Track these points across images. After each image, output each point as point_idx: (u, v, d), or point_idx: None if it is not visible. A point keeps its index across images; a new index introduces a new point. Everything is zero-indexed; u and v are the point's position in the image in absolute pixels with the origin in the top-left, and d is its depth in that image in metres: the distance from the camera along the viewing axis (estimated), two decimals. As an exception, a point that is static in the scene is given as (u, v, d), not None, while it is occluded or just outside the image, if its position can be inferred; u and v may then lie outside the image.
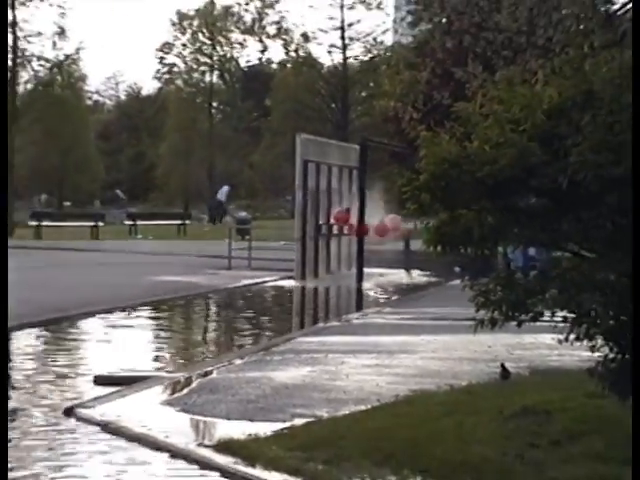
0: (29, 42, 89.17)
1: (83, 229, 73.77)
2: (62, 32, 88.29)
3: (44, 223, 73.65)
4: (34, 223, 75.06)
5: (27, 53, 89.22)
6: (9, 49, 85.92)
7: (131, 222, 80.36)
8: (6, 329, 3.78)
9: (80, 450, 12.93)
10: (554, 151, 10.91)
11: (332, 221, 40.57)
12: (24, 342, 23.78)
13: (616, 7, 15.00)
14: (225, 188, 71.64)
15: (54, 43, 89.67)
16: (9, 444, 13.13)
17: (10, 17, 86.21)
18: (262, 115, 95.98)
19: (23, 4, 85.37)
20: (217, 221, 74.97)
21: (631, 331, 11.49)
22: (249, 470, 11.28)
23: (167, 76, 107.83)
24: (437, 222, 12.45)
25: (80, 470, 12.16)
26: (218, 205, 74.93)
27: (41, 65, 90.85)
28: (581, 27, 15.17)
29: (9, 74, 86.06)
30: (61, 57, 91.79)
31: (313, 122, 49.58)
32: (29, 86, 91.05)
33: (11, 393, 18.06)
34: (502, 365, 15.81)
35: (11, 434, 14.19)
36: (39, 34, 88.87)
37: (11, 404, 16.45)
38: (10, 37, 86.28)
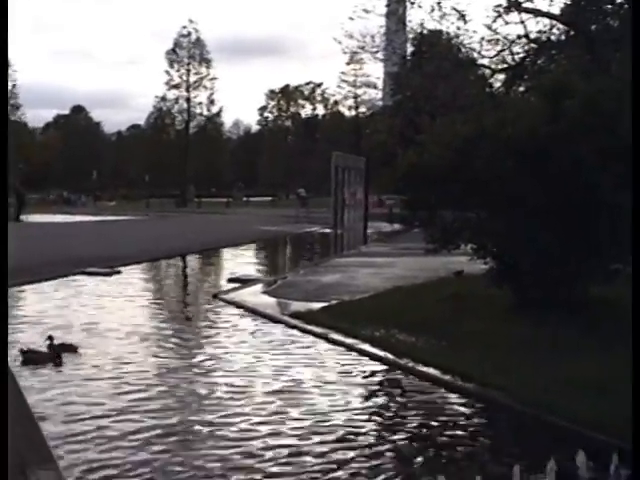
0: (194, 106, 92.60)
1: (221, 203, 77.09)
2: (212, 102, 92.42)
3: (203, 199, 78.76)
4: (197, 200, 79.10)
5: (193, 112, 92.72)
6: (185, 109, 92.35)
7: (246, 199, 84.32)
8: (6, 327, 4.14)
9: (222, 313, 13.76)
10: (466, 160, 11.38)
11: (348, 198, 42.37)
12: (191, 262, 25.20)
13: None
14: (302, 190, 73.92)
15: (208, 107, 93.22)
16: (189, 315, 14.36)
17: (186, 94, 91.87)
18: (314, 141, 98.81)
19: (195, 89, 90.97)
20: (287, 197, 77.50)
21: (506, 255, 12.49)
22: (307, 326, 11.96)
23: (264, 122, 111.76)
24: (408, 196, 13.21)
25: (220, 321, 13.04)
26: (301, 199, 76.70)
27: (201, 117, 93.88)
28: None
29: (184, 124, 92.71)
30: (211, 114, 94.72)
31: (340, 146, 51.32)
32: (191, 130, 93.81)
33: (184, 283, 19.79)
34: (459, 271, 16.24)
35: (184, 308, 15.24)
36: (200, 103, 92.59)
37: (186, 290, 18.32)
38: (186, 104, 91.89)
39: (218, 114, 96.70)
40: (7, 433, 3.90)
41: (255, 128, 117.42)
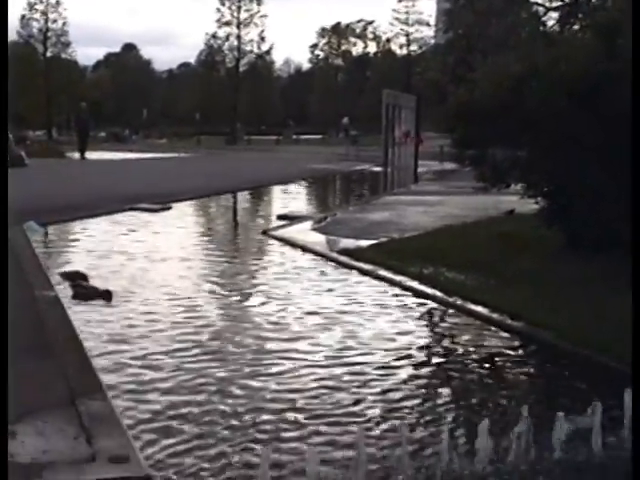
0: (244, 44, 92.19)
1: (271, 141, 77.04)
2: (262, 39, 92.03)
3: (253, 137, 79.01)
4: (246, 138, 79.53)
5: (243, 50, 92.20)
6: (236, 47, 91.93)
7: (296, 137, 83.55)
8: (6, 325, 4.18)
9: (270, 248, 14.07)
10: (518, 98, 11.13)
11: (399, 136, 41.89)
12: (241, 199, 25.34)
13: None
14: (346, 118, 73.66)
15: (258, 44, 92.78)
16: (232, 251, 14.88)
17: (236, 31, 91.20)
18: (365, 80, 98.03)
19: (246, 26, 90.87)
20: (338, 136, 77.09)
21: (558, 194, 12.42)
22: (355, 263, 12.01)
23: (315, 60, 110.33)
24: (459, 134, 12.93)
25: (271, 257, 13.36)
26: (343, 127, 76.70)
27: (251, 55, 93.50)
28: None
29: (235, 62, 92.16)
30: (261, 51, 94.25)
31: (391, 85, 50.70)
32: (242, 68, 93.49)
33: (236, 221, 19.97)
34: (510, 210, 16.39)
35: (235, 243, 15.80)
36: (250, 40, 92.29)
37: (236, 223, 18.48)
38: (236, 42, 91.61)
39: (268, 52, 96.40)
40: (7, 432, 3.92)
41: (306, 66, 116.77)
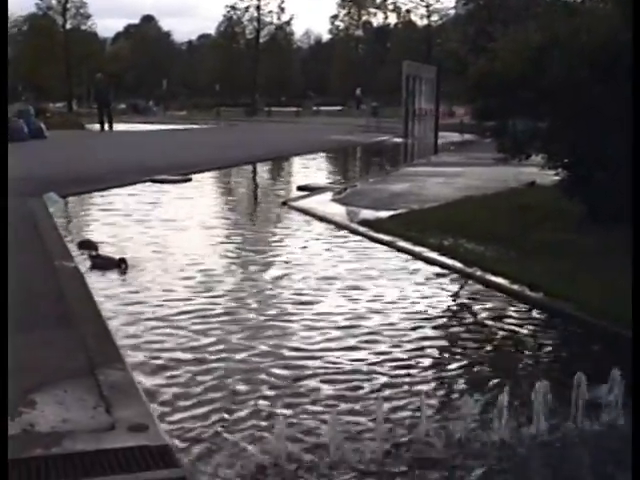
0: (264, 15, 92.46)
1: (291, 112, 76.43)
2: (282, 10, 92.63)
3: (273, 109, 78.61)
4: (266, 109, 79.18)
5: (263, 21, 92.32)
6: (255, 18, 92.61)
7: (316, 108, 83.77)
8: (6, 325, 4.16)
9: (288, 219, 13.90)
10: (538, 69, 11.07)
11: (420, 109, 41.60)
12: (261, 170, 25.24)
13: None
14: (358, 89, 73.63)
15: (278, 15, 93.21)
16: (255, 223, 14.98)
17: (256, 2, 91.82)
18: (385, 51, 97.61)
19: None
20: (358, 108, 76.94)
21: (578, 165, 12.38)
22: (375, 234, 11.97)
23: (335, 31, 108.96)
24: (479, 105, 12.95)
25: (290, 227, 13.14)
26: (357, 98, 76.51)
27: (271, 26, 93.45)
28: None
29: (255, 33, 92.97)
30: (281, 22, 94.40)
31: (412, 56, 50.44)
32: (262, 39, 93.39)
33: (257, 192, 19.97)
34: (531, 182, 16.21)
35: (254, 214, 15.82)
36: (270, 11, 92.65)
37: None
38: (256, 12, 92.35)
39: (288, 23, 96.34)
40: (7, 430, 3.99)
41: (326, 38, 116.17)
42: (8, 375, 4.75)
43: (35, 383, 5.14)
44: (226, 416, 5.26)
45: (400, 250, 11.00)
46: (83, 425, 4.61)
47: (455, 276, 9.59)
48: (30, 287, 7.94)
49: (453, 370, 6.32)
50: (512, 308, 8.19)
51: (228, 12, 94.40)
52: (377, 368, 6.25)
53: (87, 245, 10.76)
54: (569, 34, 11.29)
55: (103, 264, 9.72)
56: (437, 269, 9.91)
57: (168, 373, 6.05)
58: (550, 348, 7.03)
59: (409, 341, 6.96)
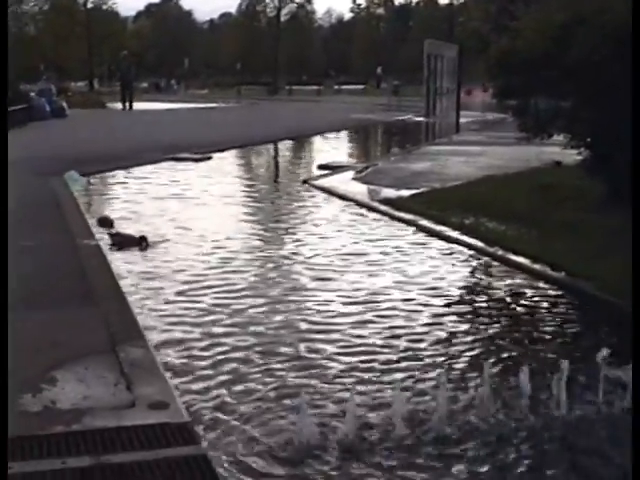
0: None
1: (312, 91, 76.43)
2: None
3: (294, 87, 78.74)
4: (288, 88, 79.23)
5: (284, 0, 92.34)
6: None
7: (337, 87, 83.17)
8: (6, 324, 4.14)
9: (308, 198, 13.89)
10: (561, 47, 10.92)
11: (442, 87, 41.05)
12: (282, 149, 25.40)
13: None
14: (379, 68, 73.54)
15: None
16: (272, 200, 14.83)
17: None
18: (407, 29, 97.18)
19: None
20: (379, 87, 76.92)
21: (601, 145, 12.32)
22: (396, 213, 11.95)
23: (356, 9, 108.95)
24: (501, 84, 12.68)
25: (311, 205, 13.22)
26: (379, 77, 76.40)
27: (292, 4, 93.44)
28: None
29: (276, 11, 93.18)
30: (303, 0, 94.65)
31: (434, 34, 50.19)
32: (283, 18, 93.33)
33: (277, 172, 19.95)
34: (557, 161, 15.96)
35: (275, 192, 15.76)
36: None
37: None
38: None
39: (309, 1, 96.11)
40: (7, 429, 3.91)
41: (347, 16, 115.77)
42: (30, 352, 4.76)
43: (56, 360, 5.15)
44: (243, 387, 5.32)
45: (421, 229, 10.98)
46: (104, 402, 4.62)
47: (476, 254, 9.56)
48: (52, 264, 7.98)
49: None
50: (533, 286, 8.15)
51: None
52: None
53: (103, 222, 10.89)
54: (593, 12, 11.16)
55: (123, 241, 9.76)
56: (458, 247, 9.89)
57: (189, 351, 6.05)
58: (568, 325, 6.99)
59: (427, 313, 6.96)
